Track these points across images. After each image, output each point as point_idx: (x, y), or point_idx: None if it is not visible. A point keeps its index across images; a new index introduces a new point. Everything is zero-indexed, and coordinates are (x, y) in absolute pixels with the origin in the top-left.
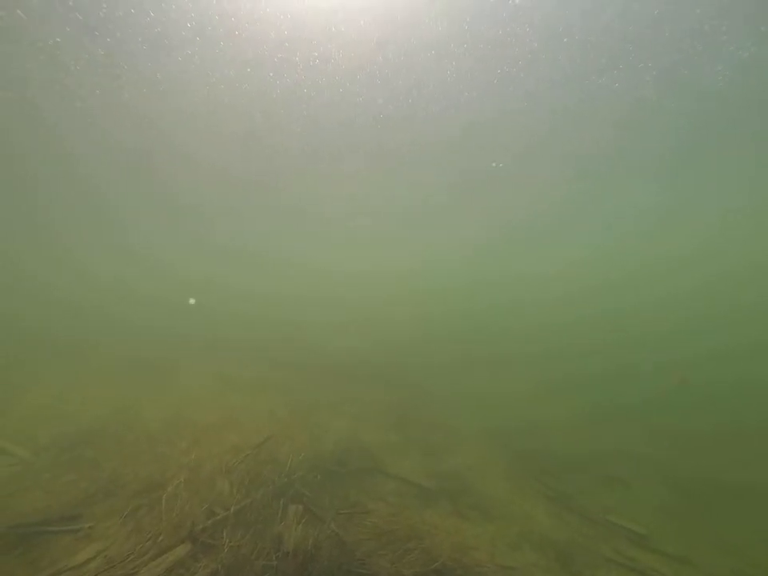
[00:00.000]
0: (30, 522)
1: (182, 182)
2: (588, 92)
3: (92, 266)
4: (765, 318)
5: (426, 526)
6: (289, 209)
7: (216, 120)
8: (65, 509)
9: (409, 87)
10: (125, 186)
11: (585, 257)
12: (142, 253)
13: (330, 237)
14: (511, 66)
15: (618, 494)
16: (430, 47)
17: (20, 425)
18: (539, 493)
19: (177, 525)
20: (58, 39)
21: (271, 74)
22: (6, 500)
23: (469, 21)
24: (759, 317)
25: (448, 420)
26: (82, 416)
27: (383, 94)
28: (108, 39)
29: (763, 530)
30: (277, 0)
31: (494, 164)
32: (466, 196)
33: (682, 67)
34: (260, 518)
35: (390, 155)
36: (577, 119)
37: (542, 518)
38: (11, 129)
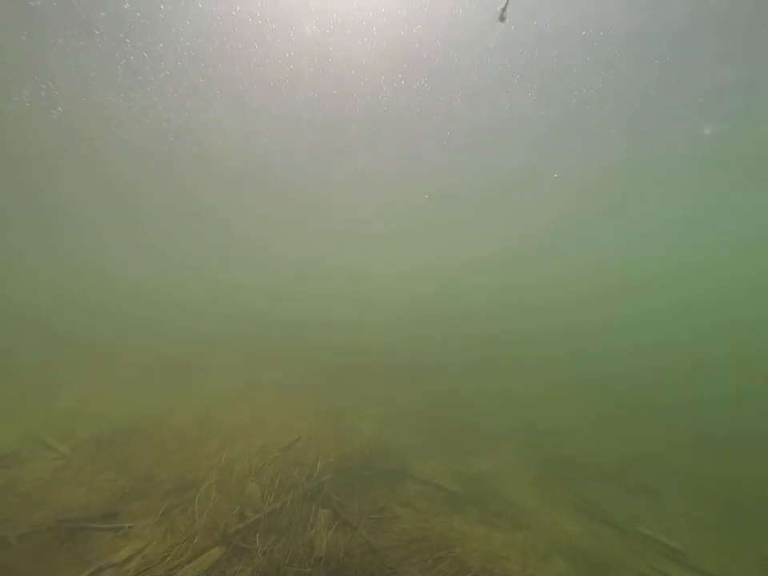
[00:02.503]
0: (75, 518)
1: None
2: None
3: (127, 270)
4: None
5: (455, 533)
6: (331, 204)
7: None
8: (104, 505)
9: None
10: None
11: (619, 259)
12: (168, 255)
13: (361, 236)
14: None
15: (646, 504)
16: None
17: (57, 421)
18: (566, 500)
19: (210, 527)
20: (168, 72)
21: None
22: (53, 493)
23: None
24: None
25: (474, 423)
26: (114, 415)
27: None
28: (210, 70)
29: None
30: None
31: (555, 175)
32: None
33: None
34: (291, 521)
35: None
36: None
37: (571, 527)
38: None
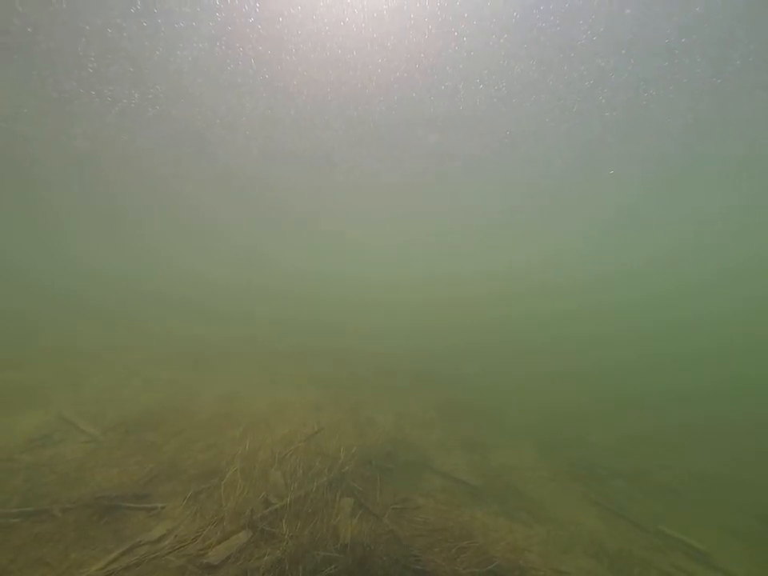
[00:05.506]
0: (111, 496)
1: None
2: None
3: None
4: None
5: (476, 524)
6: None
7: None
8: (136, 487)
9: None
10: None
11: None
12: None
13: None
14: None
15: (667, 503)
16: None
17: (87, 406)
18: (585, 496)
19: (237, 511)
20: (267, 75)
21: None
22: (89, 473)
23: None
24: None
25: (494, 420)
26: (140, 399)
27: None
28: (305, 73)
29: None
30: None
31: (611, 171)
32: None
33: None
34: (315, 509)
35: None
36: None
37: (591, 522)
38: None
